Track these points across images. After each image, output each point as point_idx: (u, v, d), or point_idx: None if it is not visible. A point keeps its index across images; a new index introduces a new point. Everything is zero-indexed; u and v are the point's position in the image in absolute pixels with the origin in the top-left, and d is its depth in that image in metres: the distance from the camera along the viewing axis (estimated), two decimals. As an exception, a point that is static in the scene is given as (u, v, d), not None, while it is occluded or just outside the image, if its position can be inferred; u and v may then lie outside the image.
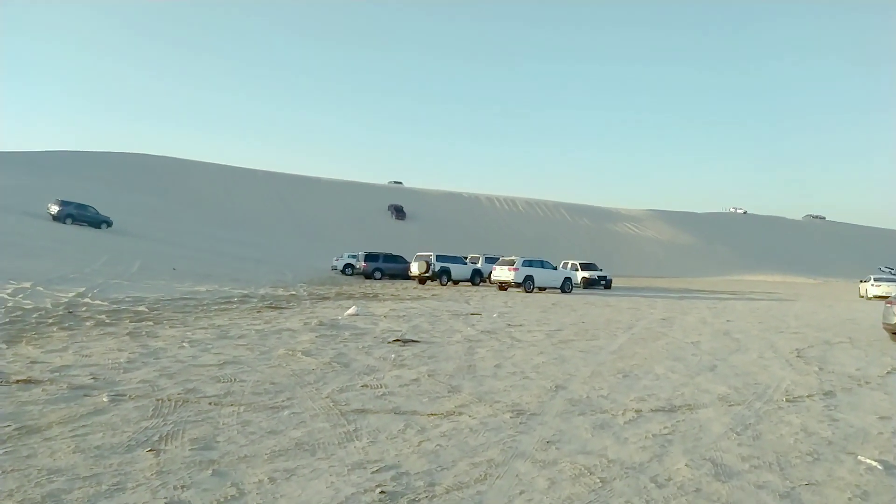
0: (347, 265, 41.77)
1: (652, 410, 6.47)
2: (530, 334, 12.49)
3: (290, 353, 8.82)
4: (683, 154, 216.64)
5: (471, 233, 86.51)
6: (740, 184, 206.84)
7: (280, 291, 22.25)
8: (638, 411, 6.37)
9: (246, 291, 21.33)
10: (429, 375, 7.72)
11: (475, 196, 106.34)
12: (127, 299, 16.13)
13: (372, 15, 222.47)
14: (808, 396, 7.46)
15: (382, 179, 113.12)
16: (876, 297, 34.62)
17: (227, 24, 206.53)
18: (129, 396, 6.03)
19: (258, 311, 14.76)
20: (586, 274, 35.52)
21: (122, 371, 7.18)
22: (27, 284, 17.37)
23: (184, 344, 9.10)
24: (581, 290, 33.21)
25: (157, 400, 5.95)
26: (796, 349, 11.83)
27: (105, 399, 5.89)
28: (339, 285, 28.77)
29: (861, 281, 40.16)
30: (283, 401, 6.14)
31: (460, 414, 5.95)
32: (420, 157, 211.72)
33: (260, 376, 7.20)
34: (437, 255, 32.23)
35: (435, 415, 5.87)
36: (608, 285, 35.72)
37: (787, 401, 7.21)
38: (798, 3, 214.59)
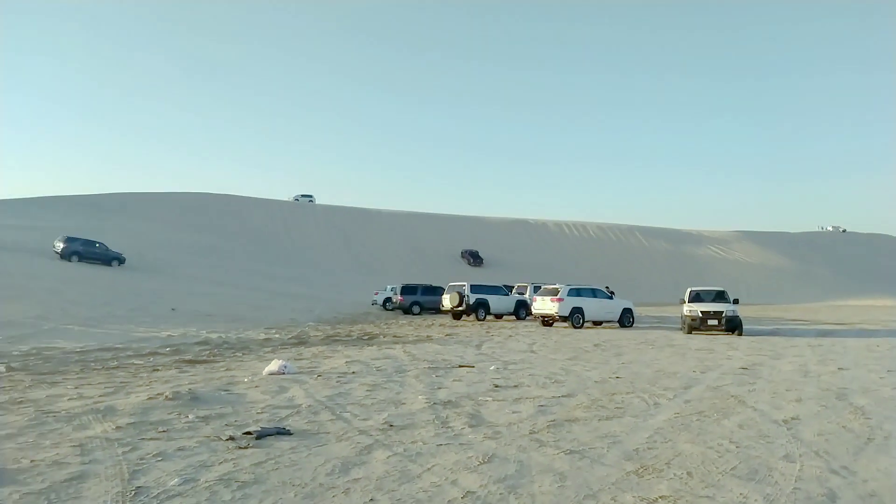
0: (387, 299, 37.94)
1: None
2: (512, 407, 7.81)
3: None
4: (771, 171, 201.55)
5: (539, 261, 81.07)
6: (835, 201, 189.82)
7: (262, 335, 18.34)
8: None
9: (217, 335, 17.56)
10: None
11: (542, 222, 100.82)
12: (22, 353, 12.54)
13: (418, 52, 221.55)
14: None
15: (444, 210, 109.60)
16: None
17: (283, 61, 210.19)
18: None
19: (153, 370, 10.74)
20: (687, 310, 21.34)
21: None
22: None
23: None
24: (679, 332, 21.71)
25: None
26: (978, 434, 6.65)
27: None
28: (353, 324, 24.66)
29: None
30: None
31: None
32: (480, 183, 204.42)
33: None
34: (471, 286, 27.58)
35: None
36: (732, 325, 20.72)
37: None
38: None
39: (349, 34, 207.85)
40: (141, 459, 5.20)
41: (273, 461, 5.25)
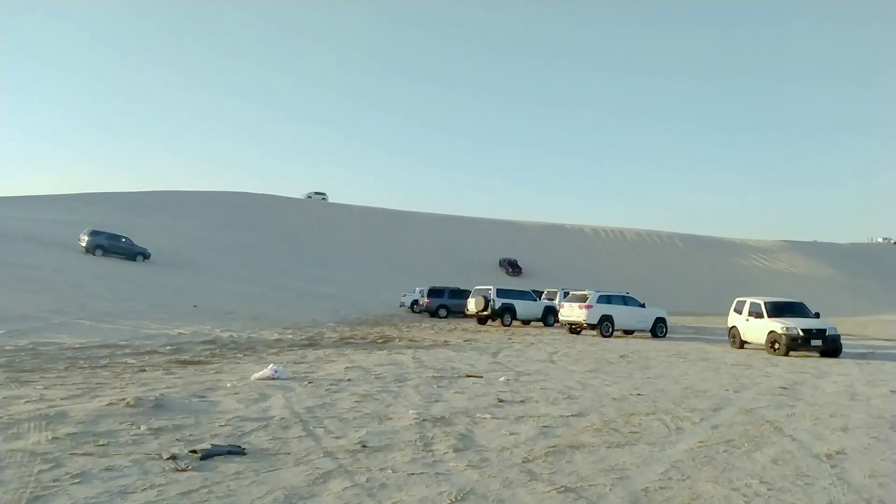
0: (414, 301, 37.18)
1: None
2: (511, 427, 6.91)
3: None
4: (820, 180, 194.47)
5: (576, 268, 79.40)
6: (887, 211, 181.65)
7: (276, 335, 17.72)
8: None
9: (228, 334, 17.00)
10: None
11: (579, 227, 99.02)
12: (17, 348, 12.11)
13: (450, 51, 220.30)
14: None
15: (479, 213, 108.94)
16: None
17: (318, 58, 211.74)
18: None
19: (140, 370, 10.13)
20: (782, 327, 17.19)
21: None
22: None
23: None
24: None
25: None
26: None
27: None
28: (374, 326, 23.95)
29: None
30: None
31: None
32: (515, 187, 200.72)
33: None
34: (497, 290, 26.63)
35: None
36: (834, 346, 17.25)
37: None
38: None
39: (379, 28, 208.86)
40: (54, 481, 4.47)
41: (206, 490, 4.47)
